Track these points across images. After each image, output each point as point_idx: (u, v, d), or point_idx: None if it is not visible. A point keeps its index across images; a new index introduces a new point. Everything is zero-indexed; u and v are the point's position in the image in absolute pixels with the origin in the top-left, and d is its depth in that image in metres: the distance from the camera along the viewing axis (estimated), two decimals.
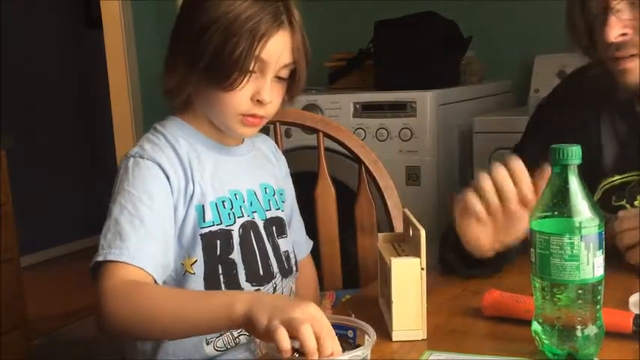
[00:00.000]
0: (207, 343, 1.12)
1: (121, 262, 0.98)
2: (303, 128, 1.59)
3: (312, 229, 1.43)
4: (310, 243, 1.38)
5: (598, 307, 0.82)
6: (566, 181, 0.82)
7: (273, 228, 1.20)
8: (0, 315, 2.44)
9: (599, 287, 0.82)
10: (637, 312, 0.91)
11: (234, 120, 1.09)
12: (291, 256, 1.25)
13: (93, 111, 4.81)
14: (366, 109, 2.30)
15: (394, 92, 2.26)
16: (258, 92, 1.06)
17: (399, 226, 1.44)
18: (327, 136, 1.49)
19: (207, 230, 1.10)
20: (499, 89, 2.65)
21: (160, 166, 1.07)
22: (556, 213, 0.82)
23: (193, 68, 1.05)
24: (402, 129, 2.22)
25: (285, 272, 1.21)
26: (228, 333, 1.13)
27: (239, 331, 1.13)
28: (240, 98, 1.06)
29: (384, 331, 0.94)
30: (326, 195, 1.48)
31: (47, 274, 4.18)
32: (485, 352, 0.88)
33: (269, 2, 1.04)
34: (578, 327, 0.81)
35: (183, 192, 1.09)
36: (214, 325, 0.89)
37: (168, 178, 1.07)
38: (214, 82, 1.05)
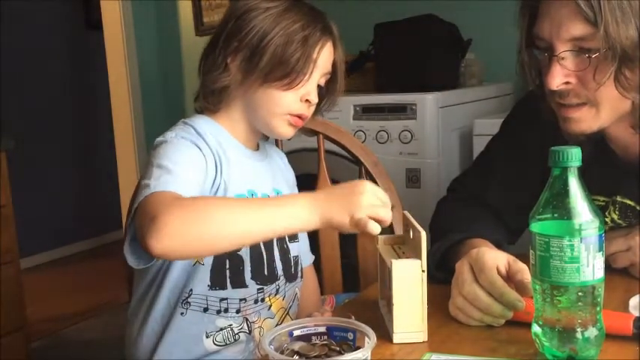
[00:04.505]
0: (207, 337, 1.14)
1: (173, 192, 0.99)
2: (303, 130, 1.58)
3: (312, 232, 1.42)
4: (312, 257, 1.39)
5: (598, 309, 0.82)
6: (565, 184, 0.82)
7: None
8: (0, 317, 2.44)
9: (600, 289, 0.82)
10: (637, 314, 0.91)
11: (281, 119, 1.17)
12: (300, 262, 1.27)
13: (93, 112, 4.81)
14: (367, 112, 2.29)
15: (394, 94, 2.26)
16: (308, 93, 1.16)
17: (399, 229, 1.43)
18: (327, 138, 1.50)
19: None
20: (499, 92, 2.65)
21: (198, 147, 1.11)
22: (556, 215, 0.82)
23: (251, 70, 1.14)
24: (403, 131, 2.22)
25: (290, 277, 1.23)
26: (229, 329, 1.15)
27: (239, 327, 1.15)
28: (293, 98, 1.15)
29: (384, 333, 0.94)
30: None
31: (47, 276, 4.18)
32: (485, 354, 0.88)
33: (318, 19, 1.18)
34: (579, 329, 0.81)
35: (212, 181, 1.12)
36: (286, 228, 0.97)
37: (205, 158, 1.11)
38: (274, 81, 1.13)
